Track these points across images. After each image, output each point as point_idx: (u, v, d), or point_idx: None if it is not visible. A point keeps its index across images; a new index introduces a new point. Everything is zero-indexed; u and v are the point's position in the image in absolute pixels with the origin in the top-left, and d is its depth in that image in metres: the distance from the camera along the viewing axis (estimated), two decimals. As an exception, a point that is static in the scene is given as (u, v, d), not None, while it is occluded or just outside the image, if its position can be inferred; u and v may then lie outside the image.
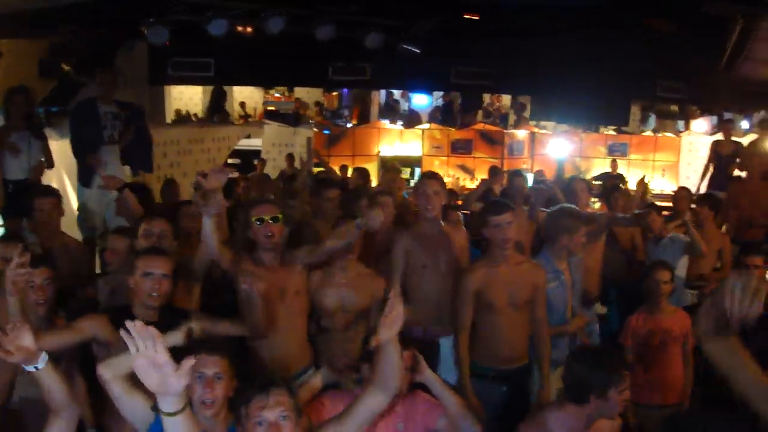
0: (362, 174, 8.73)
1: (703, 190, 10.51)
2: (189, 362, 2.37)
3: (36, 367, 2.79)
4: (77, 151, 7.60)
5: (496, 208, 4.56)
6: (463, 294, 4.55)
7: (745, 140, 10.99)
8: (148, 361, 2.31)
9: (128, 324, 2.32)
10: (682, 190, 8.44)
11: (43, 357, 2.80)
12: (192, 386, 2.88)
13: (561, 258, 5.02)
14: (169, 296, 3.80)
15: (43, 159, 7.44)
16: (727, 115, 13.42)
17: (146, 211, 5.40)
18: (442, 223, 5.20)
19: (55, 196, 5.49)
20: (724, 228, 8.47)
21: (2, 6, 6.64)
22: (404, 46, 9.28)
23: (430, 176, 5.14)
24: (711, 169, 10.75)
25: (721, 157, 10.58)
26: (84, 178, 7.62)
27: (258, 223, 4.26)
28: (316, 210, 6.14)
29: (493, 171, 10.32)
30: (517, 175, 7.54)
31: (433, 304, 4.90)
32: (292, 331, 4.34)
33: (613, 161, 14.89)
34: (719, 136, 11.21)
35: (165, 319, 3.57)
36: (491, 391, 4.52)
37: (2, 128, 7.14)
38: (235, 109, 18.11)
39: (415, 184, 5.32)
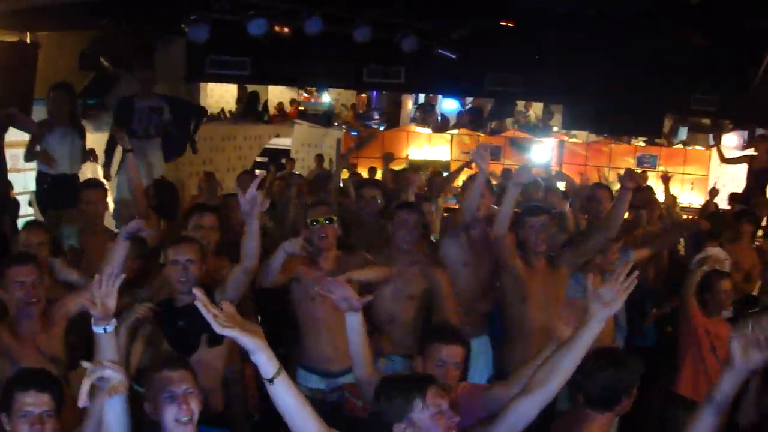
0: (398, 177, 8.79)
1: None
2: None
3: (105, 329, 2.83)
4: (111, 145, 7.70)
5: (531, 210, 4.72)
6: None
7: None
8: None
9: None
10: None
11: (113, 321, 2.86)
12: (161, 406, 2.90)
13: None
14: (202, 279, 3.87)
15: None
16: (760, 131, 13.33)
17: (171, 208, 5.46)
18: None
19: (101, 188, 5.60)
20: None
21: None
22: (440, 51, 9.31)
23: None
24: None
25: (753, 173, 10.50)
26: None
27: (314, 224, 4.33)
28: (353, 211, 6.19)
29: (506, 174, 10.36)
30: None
31: (467, 304, 4.93)
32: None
33: (643, 172, 14.82)
34: (752, 152, 11.12)
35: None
36: None
37: (43, 122, 7.22)
38: (270, 110, 18.22)
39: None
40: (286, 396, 2.47)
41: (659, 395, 5.20)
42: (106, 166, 7.86)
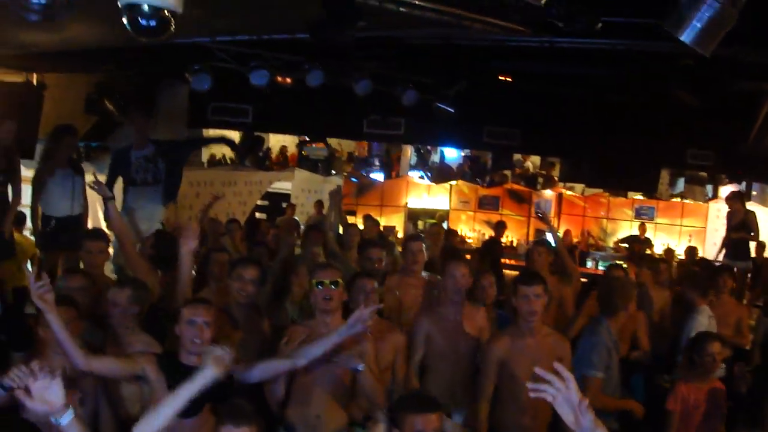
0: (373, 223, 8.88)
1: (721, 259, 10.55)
2: None
3: (58, 421, 2.74)
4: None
5: (526, 279, 4.60)
6: (487, 363, 4.58)
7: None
8: None
9: None
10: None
11: (69, 413, 2.75)
12: None
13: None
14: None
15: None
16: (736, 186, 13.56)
17: (170, 259, 5.50)
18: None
19: (103, 240, 5.68)
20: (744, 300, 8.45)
21: (52, 45, 6.87)
22: (439, 105, 9.46)
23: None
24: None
25: (731, 228, 10.66)
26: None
27: (319, 286, 4.35)
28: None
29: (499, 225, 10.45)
30: (539, 243, 7.26)
31: (447, 383, 4.88)
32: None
33: (642, 225, 14.94)
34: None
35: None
36: None
37: (46, 165, 7.32)
38: (273, 153, 18.36)
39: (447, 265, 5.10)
40: None
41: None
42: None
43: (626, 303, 5.20)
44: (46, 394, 2.67)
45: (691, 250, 11.35)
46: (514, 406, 4.55)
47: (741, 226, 10.45)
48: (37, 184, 7.22)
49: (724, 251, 10.70)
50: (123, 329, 4.39)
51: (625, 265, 8.10)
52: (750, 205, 11.34)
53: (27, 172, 7.55)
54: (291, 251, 6.86)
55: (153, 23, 3.84)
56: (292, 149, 19.23)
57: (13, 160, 7.02)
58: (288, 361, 3.97)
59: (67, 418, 2.72)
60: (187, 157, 8.63)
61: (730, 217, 10.84)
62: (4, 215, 6.96)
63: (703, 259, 10.15)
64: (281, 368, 4.03)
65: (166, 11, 3.85)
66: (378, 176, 18.02)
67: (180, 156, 8.36)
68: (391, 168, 18.98)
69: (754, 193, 15.00)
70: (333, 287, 4.30)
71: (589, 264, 13.86)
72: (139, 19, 3.84)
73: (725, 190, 15.98)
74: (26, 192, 7.69)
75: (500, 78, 9.55)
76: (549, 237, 9.04)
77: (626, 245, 13.98)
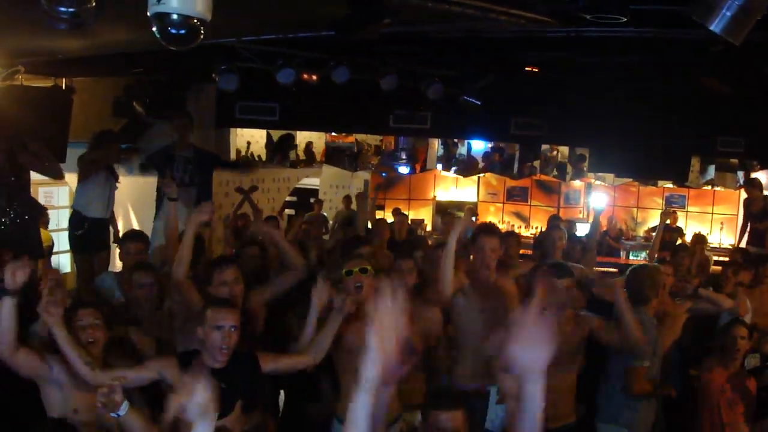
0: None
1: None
2: None
3: (118, 414, 2.97)
4: (159, 193, 7.95)
5: (555, 271, 4.65)
6: None
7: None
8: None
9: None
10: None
11: (125, 405, 3.00)
12: None
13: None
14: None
15: None
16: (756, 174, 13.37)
17: (196, 259, 5.54)
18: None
19: (143, 241, 5.84)
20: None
21: (80, 51, 6.95)
22: (465, 98, 9.44)
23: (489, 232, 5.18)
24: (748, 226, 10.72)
25: (751, 215, 10.53)
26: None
27: (348, 275, 4.41)
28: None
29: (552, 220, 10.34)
30: (554, 227, 7.16)
31: (485, 356, 4.94)
32: None
33: (673, 213, 14.78)
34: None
35: (232, 365, 3.77)
36: None
37: (91, 168, 7.48)
38: (300, 149, 18.40)
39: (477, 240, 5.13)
40: None
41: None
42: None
43: (656, 291, 5.29)
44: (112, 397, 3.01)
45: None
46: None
47: (764, 214, 10.32)
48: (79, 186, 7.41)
49: (746, 238, 10.60)
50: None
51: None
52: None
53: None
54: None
55: (183, 31, 3.85)
56: (318, 145, 19.27)
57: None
58: (305, 358, 4.14)
59: (124, 410, 3.03)
60: (213, 169, 8.71)
61: (747, 203, 10.73)
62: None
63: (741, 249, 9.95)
64: (301, 363, 4.18)
65: (195, 19, 3.86)
66: (404, 170, 18.00)
67: (211, 164, 8.47)
68: (416, 161, 18.94)
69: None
70: (362, 274, 4.41)
71: (621, 254, 13.71)
72: (169, 28, 3.84)
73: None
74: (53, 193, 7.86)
75: (527, 69, 9.49)
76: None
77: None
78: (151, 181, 8.39)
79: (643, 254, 9.90)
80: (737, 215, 15.19)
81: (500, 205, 16.24)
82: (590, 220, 5.95)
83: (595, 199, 14.71)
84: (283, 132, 15.59)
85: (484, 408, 4.71)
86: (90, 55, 7.33)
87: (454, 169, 17.78)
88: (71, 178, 8.18)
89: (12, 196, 6.67)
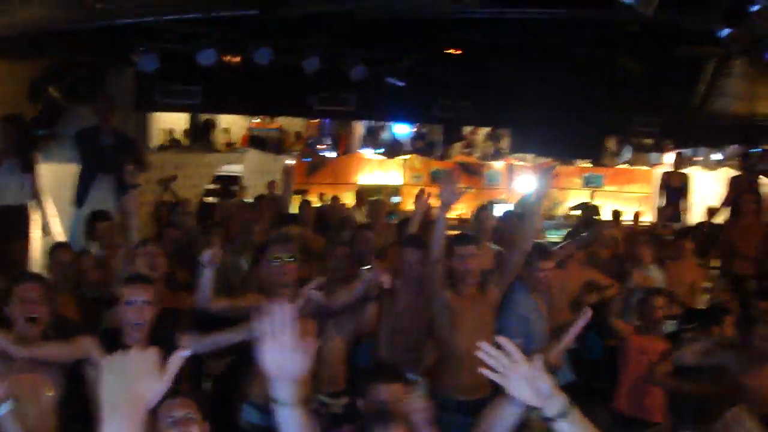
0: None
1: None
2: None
3: None
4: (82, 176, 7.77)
5: (460, 240, 4.74)
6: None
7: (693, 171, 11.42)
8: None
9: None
10: None
11: (5, 406, 2.87)
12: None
13: (536, 291, 5.22)
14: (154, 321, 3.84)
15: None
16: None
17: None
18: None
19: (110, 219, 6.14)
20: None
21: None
22: (388, 79, 9.47)
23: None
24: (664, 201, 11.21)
25: (670, 189, 10.93)
26: (79, 200, 7.73)
27: (275, 261, 4.35)
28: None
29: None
30: (483, 209, 7.34)
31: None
32: None
33: (592, 193, 15.18)
34: (668, 168, 11.56)
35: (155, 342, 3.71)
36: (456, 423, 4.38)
37: None
38: (218, 136, 18.12)
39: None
40: None
41: (604, 411, 5.36)
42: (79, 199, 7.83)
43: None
44: None
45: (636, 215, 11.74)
46: (455, 366, 4.66)
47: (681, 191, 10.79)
48: None
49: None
50: None
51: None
52: (695, 170, 11.62)
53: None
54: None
55: None
56: (239, 131, 19.01)
57: None
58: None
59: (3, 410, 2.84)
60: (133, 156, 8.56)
61: (667, 178, 11.13)
62: None
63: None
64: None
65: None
66: (330, 154, 17.94)
67: (132, 150, 8.31)
68: (340, 145, 18.87)
69: (700, 158, 15.38)
70: (291, 261, 4.35)
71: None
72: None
73: (669, 157, 16.34)
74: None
75: (449, 51, 9.58)
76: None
77: (578, 212, 14.11)
78: (67, 168, 8.18)
79: (562, 232, 10.05)
80: (652, 194, 15.70)
81: (424, 188, 16.31)
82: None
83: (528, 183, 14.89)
84: (207, 117, 15.38)
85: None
86: (4, 35, 7.09)
87: (381, 150, 17.79)
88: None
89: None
